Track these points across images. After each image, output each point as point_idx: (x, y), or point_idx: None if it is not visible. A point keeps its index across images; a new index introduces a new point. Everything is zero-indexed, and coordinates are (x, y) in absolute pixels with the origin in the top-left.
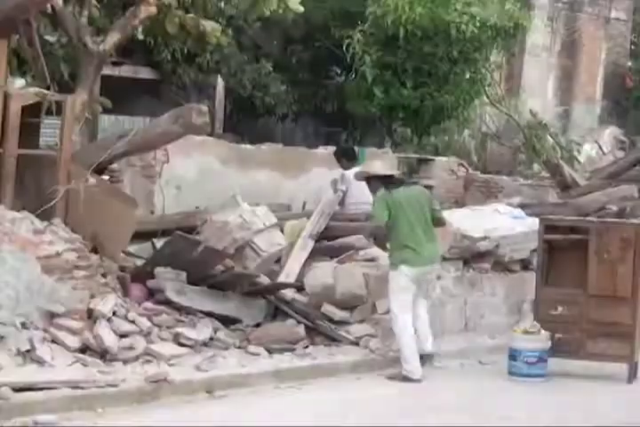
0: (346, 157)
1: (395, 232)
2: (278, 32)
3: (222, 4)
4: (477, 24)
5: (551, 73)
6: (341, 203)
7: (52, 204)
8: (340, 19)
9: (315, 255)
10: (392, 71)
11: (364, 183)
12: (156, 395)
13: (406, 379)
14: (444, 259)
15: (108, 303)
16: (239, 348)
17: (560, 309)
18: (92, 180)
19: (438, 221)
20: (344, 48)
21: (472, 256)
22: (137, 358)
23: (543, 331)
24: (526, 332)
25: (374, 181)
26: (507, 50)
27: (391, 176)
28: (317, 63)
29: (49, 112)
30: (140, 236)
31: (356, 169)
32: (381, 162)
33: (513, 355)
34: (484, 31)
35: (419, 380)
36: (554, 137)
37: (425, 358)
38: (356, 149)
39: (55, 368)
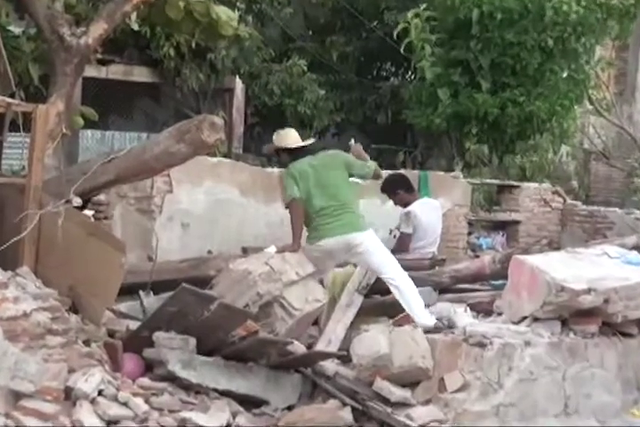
0: (402, 189)
1: (308, 205)
2: (314, 19)
3: None
4: (582, 2)
5: None
6: (404, 247)
7: (18, 249)
8: None
9: (364, 315)
10: (462, 68)
11: (434, 220)
12: None
13: None
14: (535, 319)
15: (91, 380)
16: None
17: None
18: (71, 215)
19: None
20: (399, 38)
21: (572, 315)
22: None
23: None
24: None
25: (283, 154)
26: (621, 39)
27: (302, 148)
28: (366, 59)
29: (14, 127)
30: (133, 290)
31: (422, 201)
32: (294, 134)
33: None
34: (592, 11)
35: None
36: None
37: None
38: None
39: None
